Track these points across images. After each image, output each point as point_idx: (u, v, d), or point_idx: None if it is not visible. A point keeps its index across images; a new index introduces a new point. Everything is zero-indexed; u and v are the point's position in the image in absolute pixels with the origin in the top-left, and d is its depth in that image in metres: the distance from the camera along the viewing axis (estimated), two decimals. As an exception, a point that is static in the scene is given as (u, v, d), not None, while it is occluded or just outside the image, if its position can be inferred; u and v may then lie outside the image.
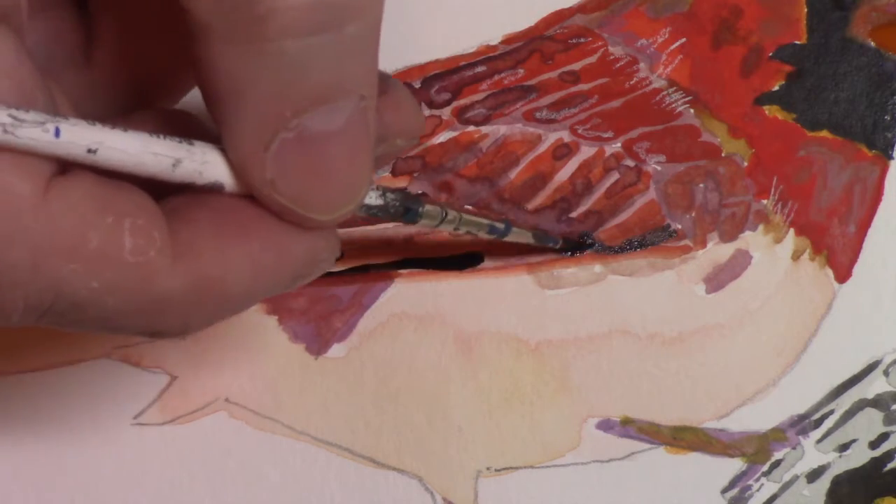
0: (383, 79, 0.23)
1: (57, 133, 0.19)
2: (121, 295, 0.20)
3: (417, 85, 0.34)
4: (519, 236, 0.31)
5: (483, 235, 0.30)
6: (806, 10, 0.34)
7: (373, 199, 0.24)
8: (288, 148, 0.20)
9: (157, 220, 0.21)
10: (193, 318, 0.21)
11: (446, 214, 0.27)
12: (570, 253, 0.33)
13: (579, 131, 0.34)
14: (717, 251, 0.33)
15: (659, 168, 0.33)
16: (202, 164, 0.21)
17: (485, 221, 0.29)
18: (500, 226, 0.30)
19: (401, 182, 0.33)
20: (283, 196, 0.21)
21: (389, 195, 0.25)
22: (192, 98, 0.24)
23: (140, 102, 0.24)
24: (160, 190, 0.21)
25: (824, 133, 0.34)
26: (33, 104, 0.19)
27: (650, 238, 0.33)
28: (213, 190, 0.21)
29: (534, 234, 0.32)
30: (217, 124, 0.21)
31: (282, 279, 0.22)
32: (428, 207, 0.26)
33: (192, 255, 0.21)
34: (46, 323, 0.21)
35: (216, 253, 0.21)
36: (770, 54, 0.34)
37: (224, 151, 0.21)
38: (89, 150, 0.19)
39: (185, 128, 0.22)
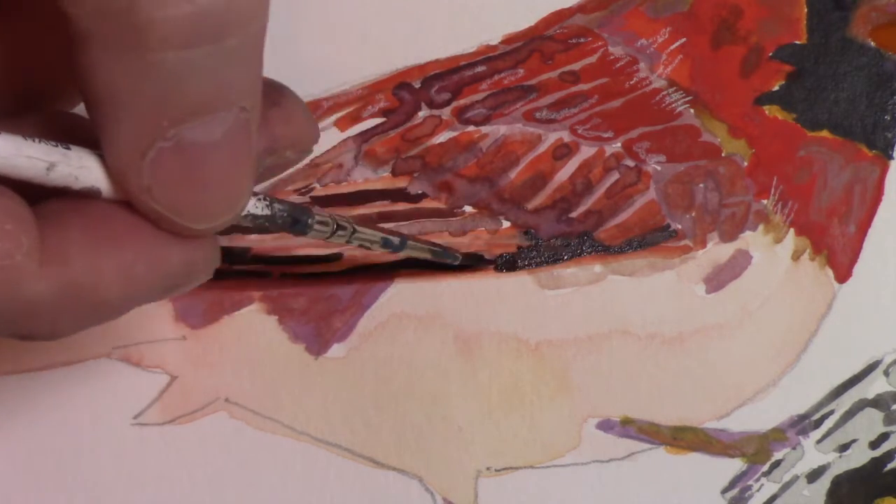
0: (276, 89, 0.24)
1: None
2: None
3: (417, 85, 0.34)
4: (415, 251, 0.31)
5: (377, 250, 0.29)
6: (806, 10, 0.34)
7: (259, 209, 0.24)
8: (165, 157, 0.20)
9: (27, 224, 0.20)
10: (62, 323, 0.21)
11: (337, 227, 0.27)
12: (470, 268, 0.33)
13: (579, 131, 0.34)
14: (717, 251, 0.33)
15: (659, 168, 0.33)
16: (78, 168, 0.21)
17: (378, 236, 0.29)
18: (395, 240, 0.29)
19: (401, 182, 0.33)
20: (160, 204, 0.21)
21: (277, 206, 0.25)
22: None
23: (26, 107, 0.24)
24: (37, 194, 0.21)
25: (824, 133, 0.34)
26: None
27: (650, 238, 0.33)
28: (90, 196, 0.21)
29: (431, 250, 0.31)
30: (96, 130, 0.21)
31: (156, 287, 0.22)
32: (317, 219, 0.26)
33: (62, 261, 0.20)
34: None
35: (87, 260, 0.21)
36: (770, 54, 0.34)
37: (102, 157, 0.21)
38: None
39: (73, 130, 0.22)
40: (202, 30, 0.19)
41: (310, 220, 0.26)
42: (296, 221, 0.25)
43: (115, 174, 0.21)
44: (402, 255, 0.30)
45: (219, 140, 0.21)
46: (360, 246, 0.28)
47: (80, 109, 0.25)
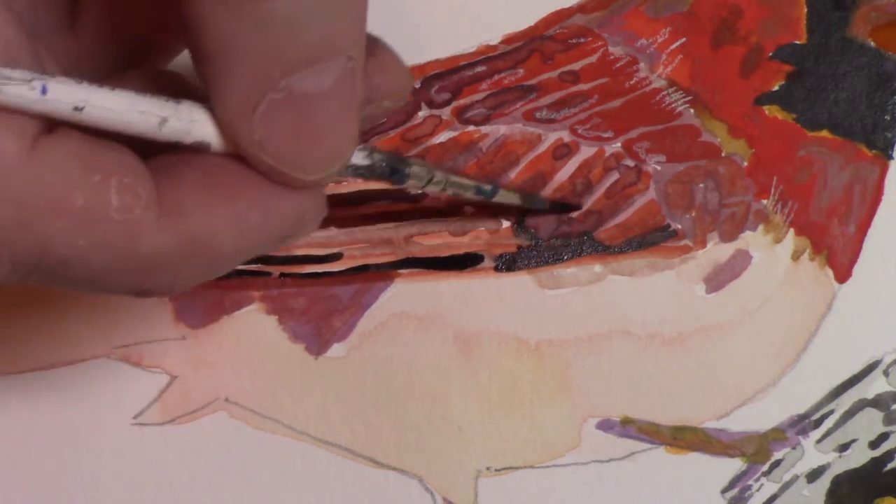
0: (371, 40, 0.23)
1: (44, 91, 0.19)
2: (108, 253, 0.20)
3: (417, 85, 0.34)
4: (506, 198, 0.31)
5: (470, 196, 0.30)
6: (806, 10, 0.34)
7: (360, 159, 0.24)
8: (276, 108, 0.20)
9: (144, 178, 0.21)
10: (181, 276, 0.21)
11: (433, 176, 0.27)
12: (557, 214, 0.33)
13: (579, 131, 0.34)
14: (717, 251, 0.33)
15: (659, 168, 0.33)
16: (189, 122, 0.21)
17: (471, 183, 0.29)
18: (487, 187, 0.30)
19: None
20: (271, 156, 0.21)
21: (377, 155, 0.25)
22: (182, 59, 0.24)
23: (128, 65, 0.24)
24: (148, 149, 0.21)
25: (824, 133, 0.34)
26: (20, 65, 0.19)
27: (650, 238, 0.33)
28: (201, 149, 0.21)
29: (521, 195, 0.32)
30: (205, 84, 0.21)
31: (268, 238, 0.22)
32: (415, 168, 0.27)
33: (179, 214, 0.21)
34: (34, 281, 0.21)
35: (203, 212, 0.21)
36: (770, 54, 0.34)
37: (211, 111, 0.21)
38: (76, 108, 0.20)
39: (174, 88, 0.22)
40: None
41: (407, 170, 0.26)
42: (394, 171, 0.26)
43: (226, 128, 0.21)
44: (497, 199, 0.31)
45: (328, 89, 0.21)
46: (454, 194, 0.29)
47: (176, 65, 0.25)
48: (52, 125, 0.20)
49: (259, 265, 0.33)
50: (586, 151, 0.33)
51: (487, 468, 0.33)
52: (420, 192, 0.28)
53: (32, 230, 0.19)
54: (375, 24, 0.33)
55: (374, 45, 0.24)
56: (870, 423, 0.33)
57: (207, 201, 0.21)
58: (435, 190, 0.28)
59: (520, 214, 0.33)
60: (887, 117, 0.34)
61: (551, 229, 0.33)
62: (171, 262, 0.21)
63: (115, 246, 0.20)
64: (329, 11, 0.20)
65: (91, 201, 0.20)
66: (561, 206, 0.33)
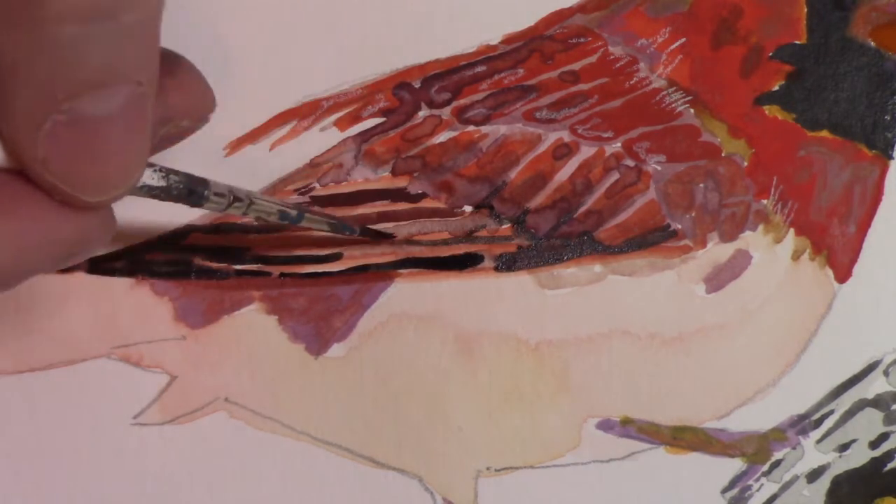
0: (172, 59, 0.24)
1: None
2: None
3: (417, 85, 0.34)
4: (313, 223, 0.31)
5: (274, 221, 0.29)
6: (806, 9, 0.34)
7: (154, 180, 0.24)
8: (60, 129, 0.20)
9: None
10: None
11: (234, 200, 0.27)
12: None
13: (579, 131, 0.34)
14: (717, 251, 0.33)
15: (659, 168, 0.33)
16: None
17: (274, 208, 0.29)
18: (293, 213, 0.30)
19: (401, 182, 0.33)
20: (54, 175, 0.21)
21: (173, 177, 0.25)
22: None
23: None
24: None
25: (824, 133, 0.34)
26: None
27: (650, 238, 0.33)
28: None
29: (328, 223, 0.31)
30: None
31: (48, 258, 0.22)
32: (214, 190, 0.26)
33: None
34: None
35: None
36: (770, 54, 0.34)
37: None
38: None
39: None
40: (98, 5, 0.19)
41: (206, 192, 0.26)
42: (191, 192, 0.26)
43: (10, 145, 0.21)
44: (303, 224, 0.30)
45: (114, 114, 0.21)
46: (258, 218, 0.29)
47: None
48: None
49: (259, 265, 0.33)
50: (586, 151, 0.33)
51: (487, 468, 0.33)
52: (241, 214, 0.28)
53: None
54: (376, 24, 0.33)
55: (174, 65, 0.24)
56: (870, 423, 0.33)
57: None
58: (237, 213, 0.28)
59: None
60: (887, 117, 0.34)
61: (551, 229, 0.33)
62: None
63: None
64: (115, 38, 0.20)
65: None
66: (374, 233, 0.33)
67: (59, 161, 0.21)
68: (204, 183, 0.26)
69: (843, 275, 0.34)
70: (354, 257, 0.33)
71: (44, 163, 0.21)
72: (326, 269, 0.33)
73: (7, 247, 0.21)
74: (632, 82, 0.34)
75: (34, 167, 0.21)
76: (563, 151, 0.33)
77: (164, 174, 0.25)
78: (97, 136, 0.21)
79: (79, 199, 0.22)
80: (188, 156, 0.33)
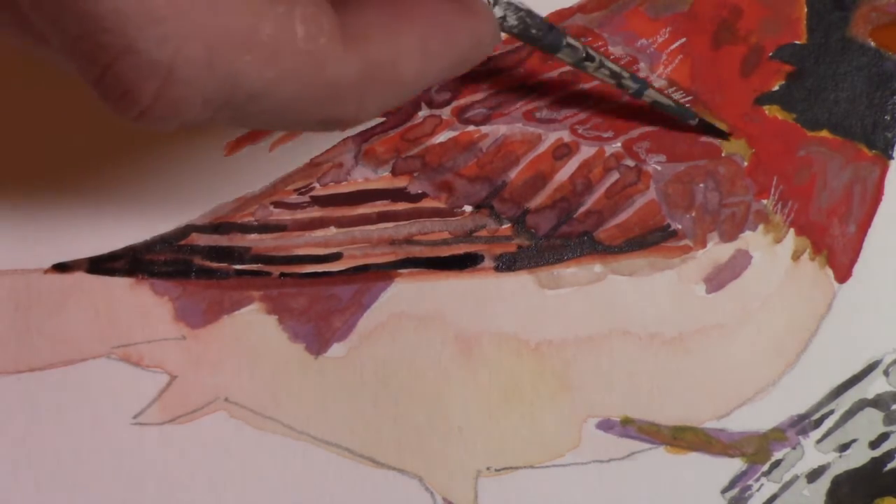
0: None
1: None
2: (295, 83, 0.21)
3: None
4: (657, 98, 0.32)
5: (613, 83, 0.31)
6: (806, 9, 0.34)
7: (513, 19, 0.26)
8: None
9: (325, 8, 0.21)
10: (367, 103, 0.22)
11: (586, 55, 0.30)
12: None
13: (579, 131, 0.34)
14: (717, 251, 0.33)
15: (659, 168, 0.33)
16: None
17: (622, 73, 0.31)
18: (634, 85, 0.32)
19: (401, 182, 0.33)
20: None
21: (529, 20, 0.27)
22: None
23: None
24: None
25: (824, 133, 0.34)
26: None
27: (650, 238, 0.33)
28: None
29: (672, 103, 0.33)
30: None
31: (449, 62, 0.23)
32: (568, 41, 0.29)
33: (363, 41, 0.21)
34: (224, 118, 0.21)
35: (387, 38, 0.22)
36: (770, 54, 0.34)
37: None
38: None
39: None
40: None
41: (564, 41, 0.29)
42: (551, 33, 0.28)
43: None
44: (646, 96, 0.32)
45: None
46: (602, 78, 0.31)
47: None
48: None
49: (259, 265, 0.33)
50: (586, 151, 0.33)
51: (487, 468, 0.33)
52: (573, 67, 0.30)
53: (221, 66, 0.20)
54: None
55: None
56: (870, 423, 0.33)
57: (390, 28, 0.22)
58: (588, 70, 0.30)
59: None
60: (887, 117, 0.34)
61: (551, 229, 0.33)
62: (357, 88, 0.21)
63: (302, 76, 0.21)
64: None
65: (277, 33, 0.20)
66: (710, 128, 0.33)
67: None
68: (562, 33, 0.28)
69: (843, 275, 0.34)
70: (354, 257, 0.33)
71: None
72: (326, 269, 0.33)
73: (411, 54, 0.22)
74: (632, 82, 0.34)
75: None
76: (563, 151, 0.33)
77: (523, 14, 0.26)
78: None
79: None
80: (188, 155, 0.33)
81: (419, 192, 0.33)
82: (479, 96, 0.34)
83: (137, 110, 0.20)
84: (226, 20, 0.20)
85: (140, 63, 0.19)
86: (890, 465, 0.33)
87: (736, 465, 0.33)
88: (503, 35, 0.26)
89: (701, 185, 0.33)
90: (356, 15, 0.22)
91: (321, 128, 0.22)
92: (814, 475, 0.33)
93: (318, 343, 0.33)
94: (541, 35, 0.27)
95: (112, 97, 0.20)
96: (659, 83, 0.34)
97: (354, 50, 0.21)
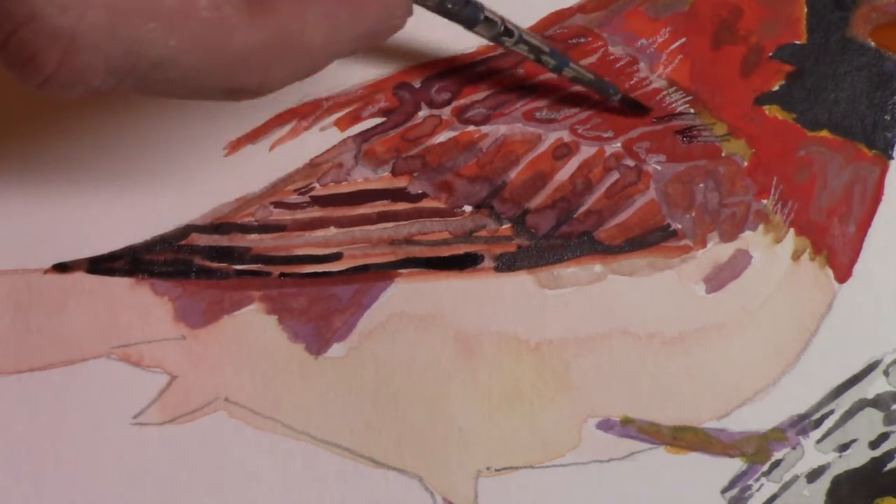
0: None
1: None
2: (199, 51, 0.21)
3: (417, 85, 0.34)
4: (577, 73, 0.32)
5: (531, 58, 0.31)
6: (806, 10, 0.34)
7: None
8: None
9: None
10: (273, 72, 0.22)
11: (504, 29, 0.29)
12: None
13: (579, 131, 0.34)
14: (717, 251, 0.33)
15: (659, 168, 0.33)
16: None
17: (542, 48, 0.31)
18: (552, 62, 0.31)
19: (401, 182, 0.33)
20: None
21: None
22: None
23: None
24: None
25: (824, 133, 0.34)
26: None
27: (650, 238, 0.33)
28: None
29: (590, 79, 0.32)
30: None
31: (358, 32, 0.23)
32: (486, 14, 0.28)
33: (269, 9, 0.21)
34: (129, 86, 0.21)
35: (292, 6, 0.22)
36: (770, 54, 0.34)
37: None
38: None
39: None
40: None
41: (480, 15, 0.28)
42: (467, 6, 0.27)
43: None
44: (565, 72, 0.32)
45: None
46: (527, 53, 0.30)
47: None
48: None
49: (259, 265, 0.33)
50: (586, 151, 0.33)
51: (487, 468, 0.33)
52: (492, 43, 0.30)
53: (124, 33, 0.20)
54: (375, 24, 0.33)
55: None
56: (870, 423, 0.33)
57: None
58: (505, 44, 0.29)
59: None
60: (887, 117, 0.34)
61: (551, 229, 0.33)
62: (263, 57, 0.22)
63: (206, 44, 0.21)
64: None
65: (180, 1, 0.20)
66: (632, 102, 0.33)
67: None
68: (479, 6, 0.27)
69: (843, 275, 0.34)
70: (354, 257, 0.33)
71: None
72: (326, 269, 0.33)
73: (317, 24, 0.22)
74: (632, 82, 0.34)
75: None
76: (563, 151, 0.33)
77: None
78: None
79: None
80: (188, 155, 0.33)
81: (419, 192, 0.33)
82: (479, 96, 0.34)
83: (41, 77, 0.20)
84: None
85: (43, 30, 0.20)
86: (890, 465, 0.33)
87: (736, 465, 0.33)
88: (415, 7, 0.26)
89: (701, 185, 0.33)
90: None
91: (225, 97, 0.22)
92: (814, 475, 0.33)
93: (318, 343, 0.33)
94: (456, 9, 0.27)
95: (17, 64, 0.20)
96: (659, 83, 0.34)
97: (260, 18, 0.21)
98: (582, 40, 0.34)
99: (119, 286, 0.33)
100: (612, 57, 0.34)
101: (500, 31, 0.29)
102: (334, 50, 0.23)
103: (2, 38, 0.20)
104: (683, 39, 0.34)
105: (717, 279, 0.33)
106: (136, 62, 0.20)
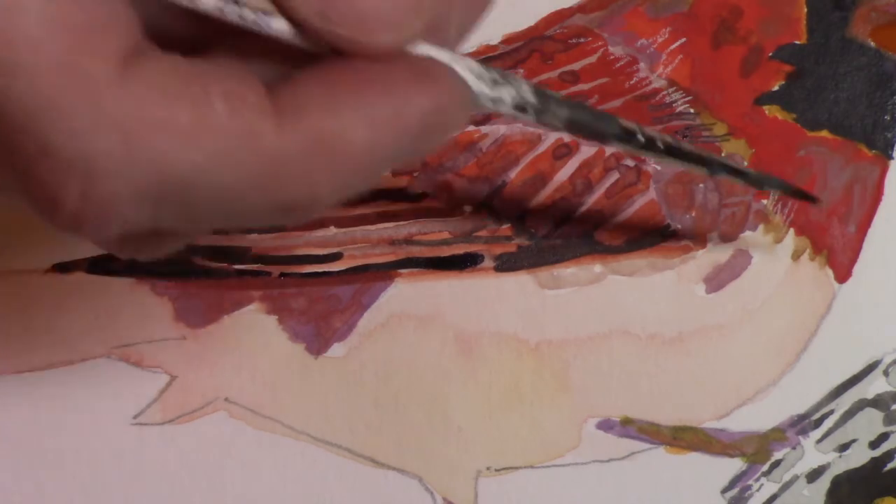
0: None
1: None
2: (229, 165, 0.19)
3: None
4: (728, 169, 0.28)
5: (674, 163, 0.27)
6: (806, 10, 0.34)
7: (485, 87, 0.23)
8: None
9: (251, 84, 0.20)
10: (319, 182, 0.20)
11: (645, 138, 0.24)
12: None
13: (579, 131, 0.34)
14: (717, 251, 0.33)
15: (659, 168, 0.33)
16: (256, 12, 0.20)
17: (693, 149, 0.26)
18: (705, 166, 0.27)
19: (401, 181, 0.33)
20: (337, 24, 0.20)
21: (523, 86, 0.23)
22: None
23: None
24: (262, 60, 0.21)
25: (824, 133, 0.34)
26: None
27: (650, 238, 0.33)
28: (279, 38, 0.20)
29: (753, 173, 0.29)
30: None
31: (404, 133, 0.21)
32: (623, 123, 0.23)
33: (300, 112, 0.20)
34: (169, 215, 0.20)
35: (325, 107, 0.20)
36: (770, 54, 0.34)
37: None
38: None
39: None
40: None
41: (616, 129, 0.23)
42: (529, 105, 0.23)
43: (285, 8, 0.20)
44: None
45: None
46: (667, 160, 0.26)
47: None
48: (141, 49, 0.19)
49: (259, 265, 0.33)
50: (586, 151, 0.33)
51: (487, 468, 0.33)
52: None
53: (141, 153, 0.19)
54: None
55: None
56: (870, 423, 0.33)
57: (329, 96, 0.20)
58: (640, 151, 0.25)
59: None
60: (887, 117, 0.34)
61: (551, 229, 0.33)
62: (302, 164, 0.20)
63: (233, 155, 0.19)
64: None
65: (195, 112, 0.19)
66: (800, 195, 0.31)
67: (337, 6, 0.20)
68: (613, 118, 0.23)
69: (843, 275, 0.34)
70: (354, 257, 0.33)
71: (322, 14, 0.20)
72: (326, 269, 0.33)
73: (357, 123, 0.20)
74: (632, 82, 0.34)
75: (315, 23, 0.20)
76: (563, 151, 0.33)
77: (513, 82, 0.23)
78: None
79: (372, 44, 0.20)
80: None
81: (419, 192, 0.33)
82: (479, 96, 0.34)
83: (69, 214, 0.19)
84: (137, 105, 0.19)
85: (57, 164, 0.19)
86: (890, 465, 0.33)
87: (736, 465, 0.33)
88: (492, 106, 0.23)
89: (701, 185, 0.33)
90: (292, 86, 0.20)
91: (281, 216, 0.21)
92: (814, 475, 0.33)
93: (318, 343, 0.33)
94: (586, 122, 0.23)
95: (42, 207, 0.19)
96: (659, 83, 0.34)
97: (289, 118, 0.20)
98: (582, 40, 0.34)
99: (119, 286, 0.33)
100: (612, 57, 0.34)
101: (639, 142, 0.24)
102: (380, 150, 0.20)
103: (22, 182, 0.19)
104: (683, 39, 0.34)
105: (717, 279, 0.33)
106: (163, 184, 0.19)
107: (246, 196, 0.20)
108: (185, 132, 0.19)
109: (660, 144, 0.25)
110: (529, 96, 0.23)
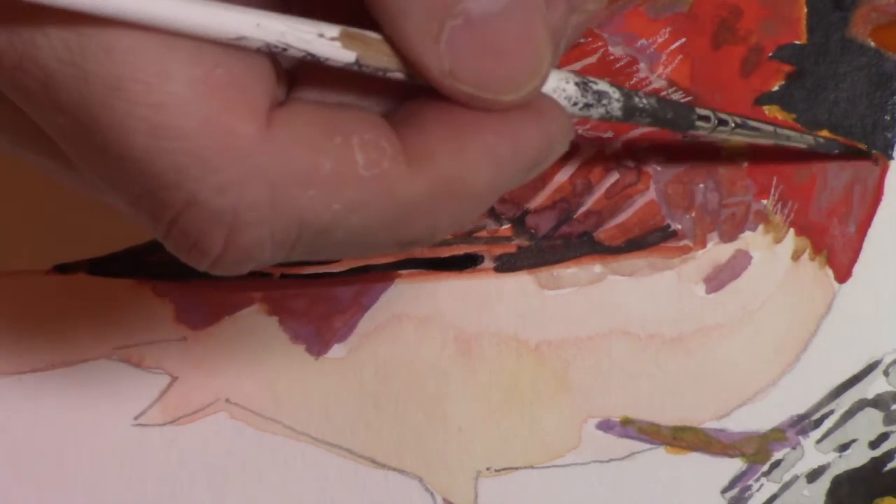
0: None
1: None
2: (364, 211, 0.20)
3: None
4: (797, 140, 0.32)
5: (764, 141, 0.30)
6: (806, 10, 0.34)
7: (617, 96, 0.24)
8: (458, 35, 0.20)
9: (384, 131, 0.21)
10: (440, 221, 0.21)
11: (718, 122, 0.28)
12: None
13: (579, 131, 0.34)
14: (717, 251, 0.33)
15: (659, 168, 0.33)
16: (381, 60, 0.21)
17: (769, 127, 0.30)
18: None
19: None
20: (465, 83, 0.21)
21: (643, 98, 0.25)
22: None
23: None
24: (384, 104, 0.22)
25: (824, 133, 0.34)
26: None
27: (650, 238, 0.33)
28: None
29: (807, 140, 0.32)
30: (382, 27, 0.21)
31: (521, 167, 0.22)
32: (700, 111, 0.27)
33: (428, 158, 0.21)
34: (299, 254, 0.21)
35: (452, 152, 0.21)
36: (770, 54, 0.34)
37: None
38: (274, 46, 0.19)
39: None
40: None
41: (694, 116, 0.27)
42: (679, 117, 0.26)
43: (415, 65, 0.21)
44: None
45: (504, 7, 0.20)
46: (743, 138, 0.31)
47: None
48: (279, 98, 0.20)
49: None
50: (586, 151, 0.33)
51: (487, 468, 0.33)
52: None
53: (286, 205, 0.19)
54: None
55: None
56: (870, 423, 0.33)
57: (455, 141, 0.21)
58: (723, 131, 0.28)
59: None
60: (887, 117, 0.34)
61: (551, 229, 0.33)
62: (427, 208, 0.21)
63: (369, 203, 0.20)
64: None
65: (337, 164, 0.20)
66: (853, 151, 0.33)
67: (467, 67, 0.20)
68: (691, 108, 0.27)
69: (843, 275, 0.34)
70: (354, 258, 0.33)
71: (452, 73, 0.20)
72: (327, 270, 0.33)
73: (480, 164, 0.21)
74: (632, 82, 0.34)
75: (445, 81, 0.21)
76: (562, 152, 0.33)
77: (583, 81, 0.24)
78: (494, 33, 0.21)
79: (495, 101, 0.21)
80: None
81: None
82: (478, 97, 0.34)
83: (209, 260, 0.20)
84: (283, 160, 0.19)
85: (204, 215, 0.19)
86: (890, 465, 0.33)
87: (736, 465, 0.33)
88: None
89: (701, 185, 0.33)
90: (419, 133, 0.21)
91: (398, 249, 0.22)
92: (814, 475, 0.33)
93: (318, 344, 0.33)
94: (673, 117, 0.26)
95: (183, 250, 0.20)
96: (659, 83, 0.34)
97: (420, 169, 0.20)
98: (582, 40, 0.34)
99: (120, 287, 0.33)
100: (612, 57, 0.34)
101: (714, 124, 0.28)
102: (498, 189, 0.22)
103: (164, 228, 0.20)
104: (683, 39, 0.34)
105: (717, 279, 0.33)
106: (302, 231, 0.20)
107: (374, 236, 0.21)
108: (327, 183, 0.20)
109: (731, 123, 0.29)
110: (616, 112, 0.24)
